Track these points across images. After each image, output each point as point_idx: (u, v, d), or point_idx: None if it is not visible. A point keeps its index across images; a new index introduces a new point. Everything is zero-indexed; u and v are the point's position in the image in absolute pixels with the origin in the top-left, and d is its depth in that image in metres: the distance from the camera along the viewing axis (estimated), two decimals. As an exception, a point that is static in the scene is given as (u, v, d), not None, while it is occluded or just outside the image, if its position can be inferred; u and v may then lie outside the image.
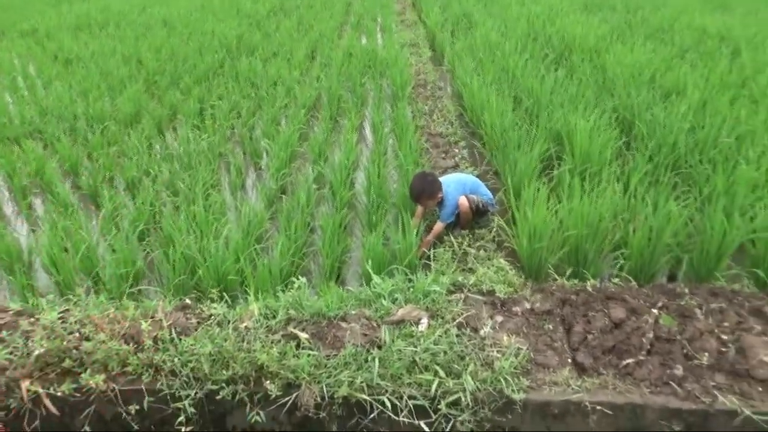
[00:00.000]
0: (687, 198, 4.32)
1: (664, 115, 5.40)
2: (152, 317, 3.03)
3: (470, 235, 4.21)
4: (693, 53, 7.85)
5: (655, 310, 3.09)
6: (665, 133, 5.04)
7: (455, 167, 5.37)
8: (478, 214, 4.33)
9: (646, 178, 4.51)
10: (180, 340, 2.88)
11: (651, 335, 2.91)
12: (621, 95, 6.06)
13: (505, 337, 2.92)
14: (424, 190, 4.11)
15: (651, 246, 3.67)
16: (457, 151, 5.74)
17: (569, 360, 2.84)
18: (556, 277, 3.59)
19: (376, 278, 3.36)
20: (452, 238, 4.13)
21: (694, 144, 4.96)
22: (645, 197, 4.11)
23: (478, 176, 4.97)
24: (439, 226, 4.22)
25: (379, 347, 2.86)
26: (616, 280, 3.55)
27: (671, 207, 3.83)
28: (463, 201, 4.17)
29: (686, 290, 3.29)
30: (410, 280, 3.39)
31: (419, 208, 4.39)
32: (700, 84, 6.26)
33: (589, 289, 3.34)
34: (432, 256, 3.90)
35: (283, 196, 5.06)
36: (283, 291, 3.41)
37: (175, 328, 2.96)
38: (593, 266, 3.72)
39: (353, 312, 3.10)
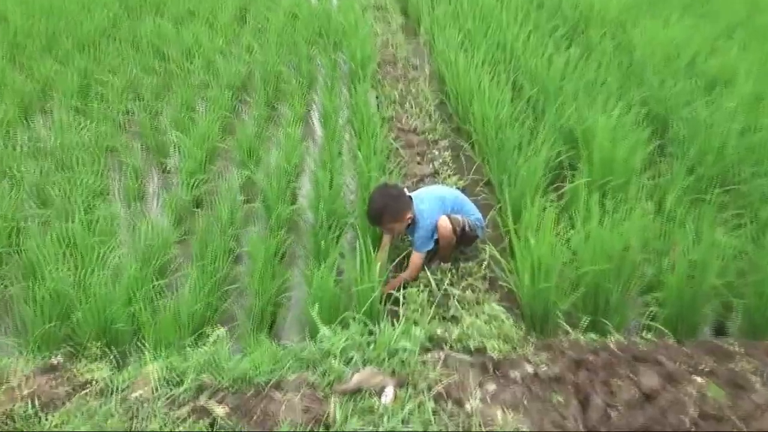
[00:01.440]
0: (738, 223, 4.40)
1: (708, 112, 5.53)
2: (4, 383, 2.91)
3: (453, 270, 4.19)
4: (744, 30, 8.08)
5: (699, 377, 3.10)
6: (709, 136, 5.16)
7: (434, 176, 5.37)
8: (464, 241, 4.33)
9: (686, 195, 4.58)
10: (43, 417, 2.75)
11: (694, 412, 2.91)
12: (652, 84, 6.19)
13: (499, 414, 2.88)
14: (385, 208, 4.09)
15: (693, 288, 3.71)
16: (437, 153, 5.75)
17: (585, 445, 2.83)
18: (568, 329, 3.59)
19: (324, 329, 3.31)
20: (428, 273, 4.10)
21: (747, 151, 5.07)
22: (684, 221, 4.16)
23: (463, 190, 4.97)
24: (415, 258, 4.21)
25: (327, 427, 2.79)
26: (647, 334, 3.56)
27: (718, 235, 3.89)
28: (443, 223, 4.16)
29: (740, 349, 3.32)
30: (371, 333, 3.34)
31: (384, 236, 4.37)
32: (753, 71, 6.44)
33: (612, 346, 3.34)
34: (401, 298, 3.87)
35: (198, 210, 4.97)
36: (194, 346, 3.33)
37: (37, 399, 2.84)
38: (617, 315, 3.73)
39: (292, 377, 3.04)
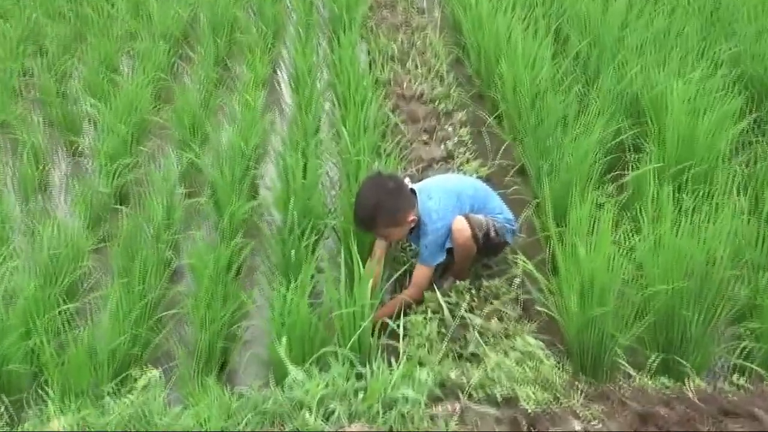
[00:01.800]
0: None
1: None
2: None
3: (473, 291, 4.19)
4: None
5: (809, 438, 3.10)
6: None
7: (446, 161, 5.36)
8: (488, 251, 4.33)
9: (793, 188, 4.58)
10: None
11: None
12: (746, 36, 6.18)
13: (535, 488, 2.88)
14: (379, 208, 4.08)
15: (801, 315, 3.71)
16: (450, 129, 5.74)
17: None
18: (631, 371, 3.58)
19: (295, 371, 3.30)
20: (438, 295, 4.10)
21: None
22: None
23: (487, 180, 4.96)
24: (420, 273, 4.21)
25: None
26: (738, 378, 3.55)
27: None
28: (459, 226, 4.16)
29: None
30: (360, 377, 3.33)
31: (378, 243, 4.36)
32: None
33: (691, 395, 3.33)
34: (401, 328, 3.86)
35: (122, 207, 4.95)
36: (116, 394, 3.32)
37: None
38: (698, 352, 3.73)
39: (250, 437, 3.04)
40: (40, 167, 5.41)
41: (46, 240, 4.33)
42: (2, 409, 3.40)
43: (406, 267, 4.40)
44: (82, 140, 5.85)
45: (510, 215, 4.43)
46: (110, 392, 3.35)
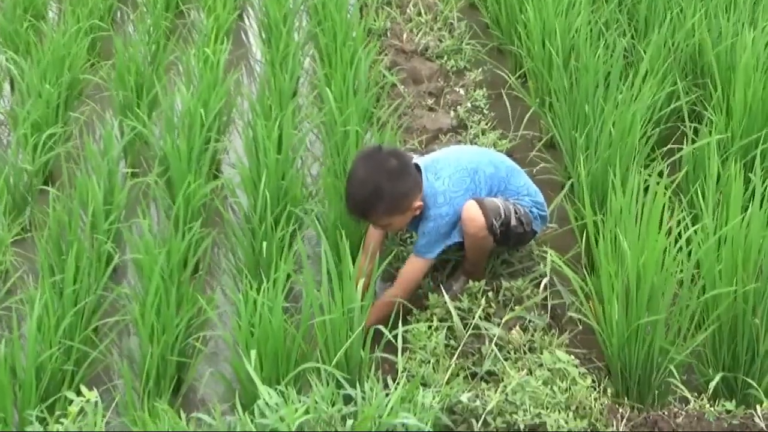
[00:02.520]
0: None
1: None
2: None
3: (490, 292, 4.22)
4: None
5: None
6: None
7: (457, 132, 5.37)
8: (510, 242, 4.37)
9: None
10: None
11: None
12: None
13: None
14: (378, 193, 4.09)
15: None
16: (462, 93, 5.75)
17: None
18: (687, 394, 3.61)
19: (267, 393, 3.30)
20: (446, 298, 4.11)
21: None
22: None
23: (510, 154, 4.97)
24: (409, 268, 4.26)
25: None
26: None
27: None
28: (470, 213, 4.18)
29: None
30: (349, 400, 3.35)
31: (372, 232, 4.40)
32: None
33: (762, 424, 3.36)
34: (398, 339, 3.88)
35: (50, 189, 4.95)
36: (45, 422, 3.33)
37: None
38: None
39: (212, 475, 3.05)
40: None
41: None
42: None
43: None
44: (-1, 105, 5.85)
45: (540, 197, 4.46)
46: (37, 419, 3.35)
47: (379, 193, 4.08)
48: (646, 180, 4.24)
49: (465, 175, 4.29)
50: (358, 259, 4.03)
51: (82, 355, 3.92)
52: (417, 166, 4.27)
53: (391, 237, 4.57)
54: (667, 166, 4.73)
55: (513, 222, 4.24)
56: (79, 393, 3.19)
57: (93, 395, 3.18)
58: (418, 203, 4.19)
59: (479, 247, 4.25)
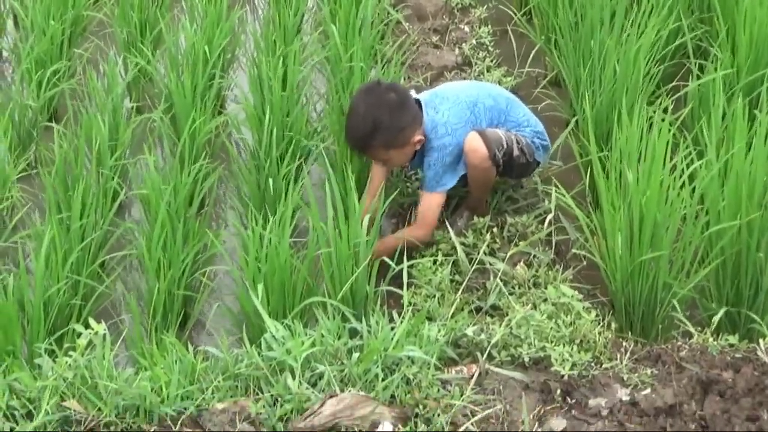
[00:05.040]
0: None
1: None
2: None
3: (494, 228, 4.23)
4: None
5: None
6: None
7: (461, 69, 5.35)
8: (513, 173, 4.37)
9: None
10: None
11: None
12: None
13: (570, 469, 2.93)
14: (377, 126, 4.09)
15: None
16: (467, 29, 5.72)
17: None
18: (690, 328, 3.61)
19: (274, 326, 3.32)
20: (451, 233, 4.12)
21: None
22: None
23: (514, 91, 4.95)
24: (427, 204, 4.25)
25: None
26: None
27: None
28: (472, 144, 4.18)
29: None
30: (354, 333, 3.37)
31: (376, 171, 4.40)
32: None
33: (764, 357, 3.37)
34: (404, 274, 3.89)
35: (55, 125, 4.95)
36: (54, 354, 3.33)
37: None
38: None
39: (220, 406, 3.06)
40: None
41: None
42: None
43: (411, 200, 4.42)
44: (2, 41, 5.81)
45: (540, 127, 4.46)
46: (46, 351, 3.36)
47: (377, 126, 4.09)
48: (650, 116, 4.23)
49: (465, 107, 4.29)
50: (363, 196, 4.04)
51: (90, 290, 3.94)
52: (417, 102, 4.27)
53: (396, 173, 4.56)
54: (672, 102, 4.72)
55: (515, 152, 4.24)
56: (87, 326, 3.21)
57: (101, 328, 3.19)
58: (418, 137, 4.19)
59: (482, 178, 4.26)
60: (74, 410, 3.02)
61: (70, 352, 3.16)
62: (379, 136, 4.11)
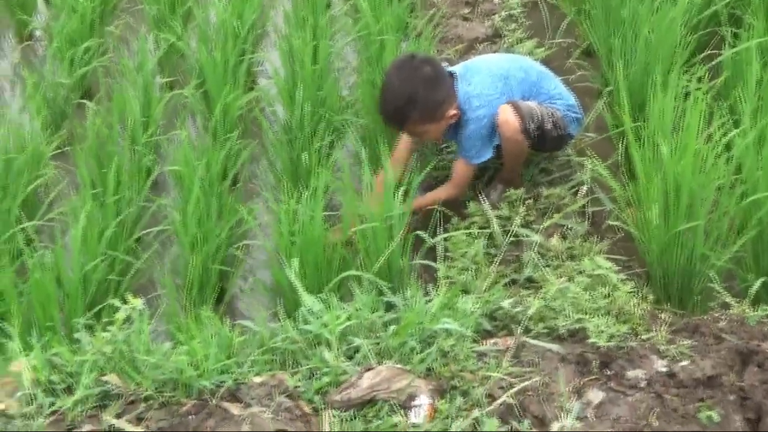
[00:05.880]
0: None
1: None
2: None
3: (529, 200, 4.23)
4: None
5: None
6: None
7: (492, 41, 5.33)
8: (546, 146, 4.37)
9: None
10: None
11: None
12: None
13: (609, 440, 2.92)
14: (413, 100, 4.09)
15: None
16: (497, 1, 5.70)
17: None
18: (728, 299, 3.60)
19: (310, 300, 3.34)
20: (485, 206, 4.12)
21: None
22: None
23: (545, 64, 4.94)
24: (460, 169, 4.27)
25: (318, 463, 2.84)
26: None
27: None
28: (505, 116, 4.17)
29: None
30: (390, 306, 3.37)
31: (405, 140, 4.40)
32: None
33: (804, 327, 3.36)
34: (438, 247, 3.89)
35: (87, 102, 4.97)
36: (92, 329, 3.35)
37: None
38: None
39: (257, 380, 3.07)
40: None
41: (-6, 143, 4.36)
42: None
43: (440, 174, 4.43)
44: (34, 20, 5.83)
45: (572, 100, 4.45)
46: (84, 327, 3.38)
47: (413, 100, 4.08)
48: (685, 85, 4.21)
49: (497, 80, 4.29)
50: (387, 165, 4.03)
51: (126, 265, 3.98)
52: (450, 74, 4.26)
53: (430, 146, 4.56)
54: (707, 71, 4.69)
55: (548, 125, 4.24)
56: (124, 301, 3.23)
57: (138, 303, 3.21)
58: (453, 111, 4.18)
59: (516, 150, 4.25)
60: (113, 384, 3.04)
61: (109, 327, 3.18)
62: (415, 110, 4.10)
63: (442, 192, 4.26)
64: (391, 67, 4.24)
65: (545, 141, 4.28)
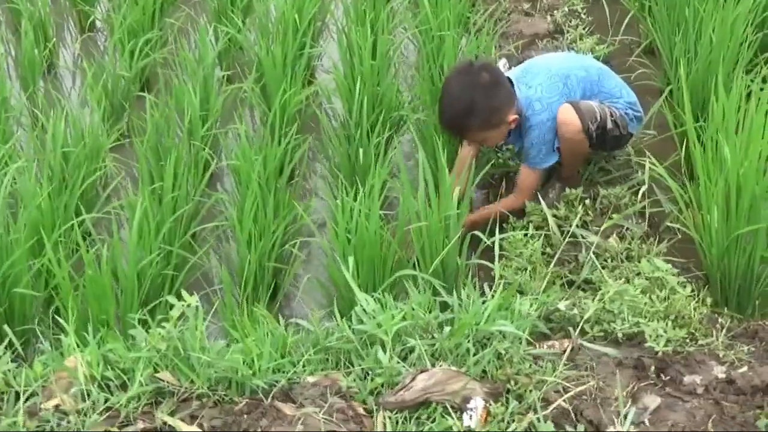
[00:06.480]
0: None
1: None
2: None
3: (587, 200, 4.20)
4: None
5: None
6: None
7: (553, 38, 5.30)
8: (603, 144, 4.32)
9: None
10: None
11: None
12: None
13: (665, 448, 2.89)
14: (473, 109, 4.07)
15: None
16: (561, -2, 5.70)
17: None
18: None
19: (365, 299, 3.32)
20: (543, 205, 4.09)
21: None
22: None
23: (606, 62, 4.90)
24: (526, 176, 4.27)
25: (371, 464, 2.84)
26: None
27: None
28: (565, 116, 4.15)
29: None
30: (446, 307, 3.36)
31: (467, 148, 4.39)
32: None
33: None
34: (496, 246, 3.87)
35: (147, 95, 5.00)
36: (146, 325, 3.36)
37: None
38: None
39: (311, 379, 3.08)
40: (45, 46, 5.46)
41: (55, 136, 4.37)
42: (8, 342, 3.45)
43: (499, 176, 4.40)
44: (96, 11, 5.87)
45: (633, 97, 4.41)
46: (139, 323, 3.40)
47: (473, 108, 4.06)
48: (748, 86, 4.16)
49: (557, 80, 4.26)
50: (454, 168, 4.03)
51: (182, 261, 4.00)
52: (509, 80, 4.24)
53: (486, 149, 4.54)
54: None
55: (609, 125, 4.21)
56: (179, 298, 3.24)
57: (194, 300, 3.21)
58: (512, 116, 4.16)
59: (576, 151, 4.23)
60: (167, 382, 3.06)
61: (163, 324, 3.19)
62: (475, 118, 4.09)
63: (508, 202, 4.25)
64: (450, 75, 4.23)
65: (606, 141, 4.25)
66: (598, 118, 4.17)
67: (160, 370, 3.09)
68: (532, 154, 4.22)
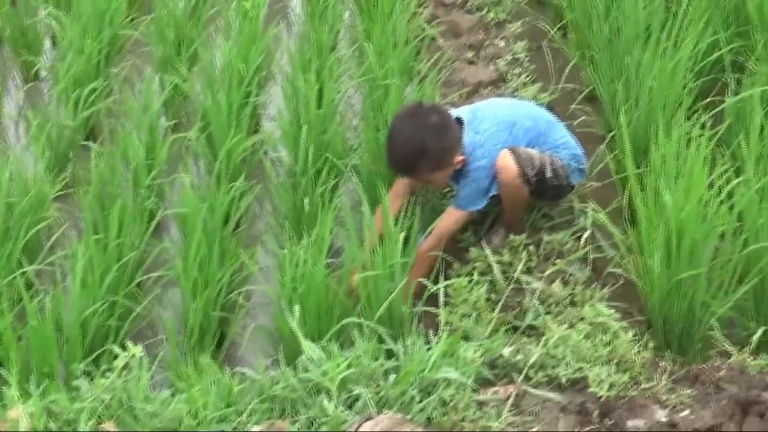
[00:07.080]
0: None
1: None
2: None
3: (531, 246, 4.21)
4: None
5: None
6: None
7: (497, 86, 5.34)
8: (547, 195, 4.35)
9: None
10: None
11: None
12: None
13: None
14: (424, 150, 4.08)
15: None
16: (502, 45, 5.71)
17: None
18: (729, 348, 3.60)
19: (310, 348, 3.34)
20: (487, 251, 4.12)
21: None
22: None
23: (549, 109, 4.94)
24: (447, 218, 4.24)
25: None
26: None
27: None
28: (503, 162, 4.15)
29: None
30: (391, 354, 3.37)
31: (400, 185, 4.39)
32: None
33: (806, 377, 3.34)
34: (440, 293, 3.88)
35: (92, 144, 4.99)
36: (90, 375, 3.35)
37: None
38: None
39: (256, 428, 3.07)
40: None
41: (0, 185, 4.34)
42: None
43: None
44: (41, 60, 5.85)
45: (578, 150, 4.43)
46: (83, 373, 3.39)
47: (423, 150, 4.07)
48: (688, 132, 4.21)
49: (503, 128, 4.28)
50: (385, 200, 4.02)
51: (126, 311, 3.96)
52: (458, 119, 4.27)
53: (432, 190, 4.55)
54: (710, 118, 4.69)
55: (548, 173, 4.22)
56: (124, 347, 3.23)
57: (138, 350, 3.21)
58: (459, 157, 4.18)
59: (514, 197, 4.24)
60: (104, 429, 3.05)
61: (107, 374, 3.18)
62: (425, 160, 4.09)
63: (425, 246, 4.17)
64: (398, 116, 4.24)
65: (545, 190, 4.27)
66: (537, 165, 4.18)
67: (104, 421, 3.07)
68: (461, 195, 4.24)
